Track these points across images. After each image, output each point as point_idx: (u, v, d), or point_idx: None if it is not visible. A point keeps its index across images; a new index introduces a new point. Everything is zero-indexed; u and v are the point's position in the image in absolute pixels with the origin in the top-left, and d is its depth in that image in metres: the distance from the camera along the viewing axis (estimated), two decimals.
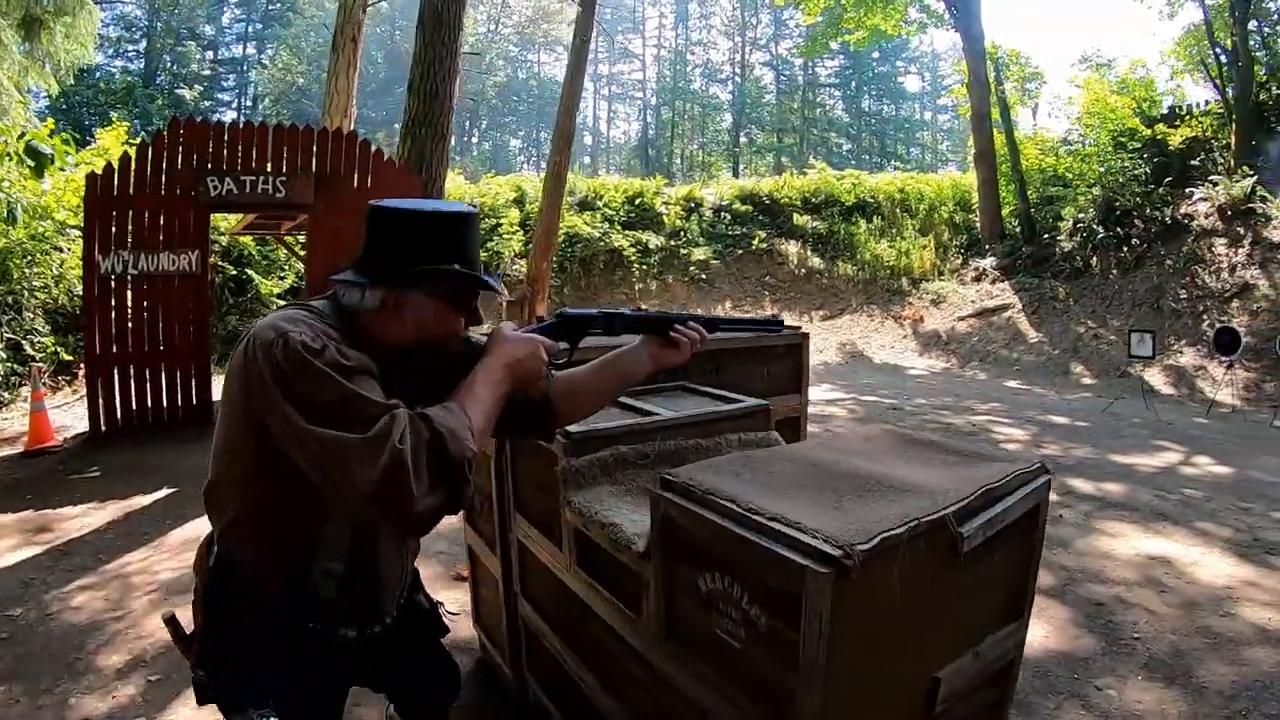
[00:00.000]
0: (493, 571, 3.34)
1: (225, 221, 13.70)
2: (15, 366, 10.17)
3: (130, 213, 8.42)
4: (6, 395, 9.89)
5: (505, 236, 16.90)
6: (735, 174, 36.12)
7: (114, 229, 8.35)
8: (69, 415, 9.54)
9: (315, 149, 9.17)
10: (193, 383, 8.98)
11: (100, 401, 8.46)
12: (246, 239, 14.73)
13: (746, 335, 3.78)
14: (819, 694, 1.49)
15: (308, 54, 42.97)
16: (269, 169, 8.93)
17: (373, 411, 1.53)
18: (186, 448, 7.99)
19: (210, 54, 45.66)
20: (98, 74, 37.86)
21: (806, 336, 4.47)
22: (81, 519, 6.06)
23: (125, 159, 8.54)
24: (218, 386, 9.06)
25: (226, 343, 12.33)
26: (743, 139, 49.00)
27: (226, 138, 8.85)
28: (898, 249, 19.78)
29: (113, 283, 8.40)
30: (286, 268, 15.32)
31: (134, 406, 8.62)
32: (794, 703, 1.52)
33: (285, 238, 13.34)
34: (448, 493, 1.56)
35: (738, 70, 52.21)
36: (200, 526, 5.27)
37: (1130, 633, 4.22)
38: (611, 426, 2.58)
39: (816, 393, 10.98)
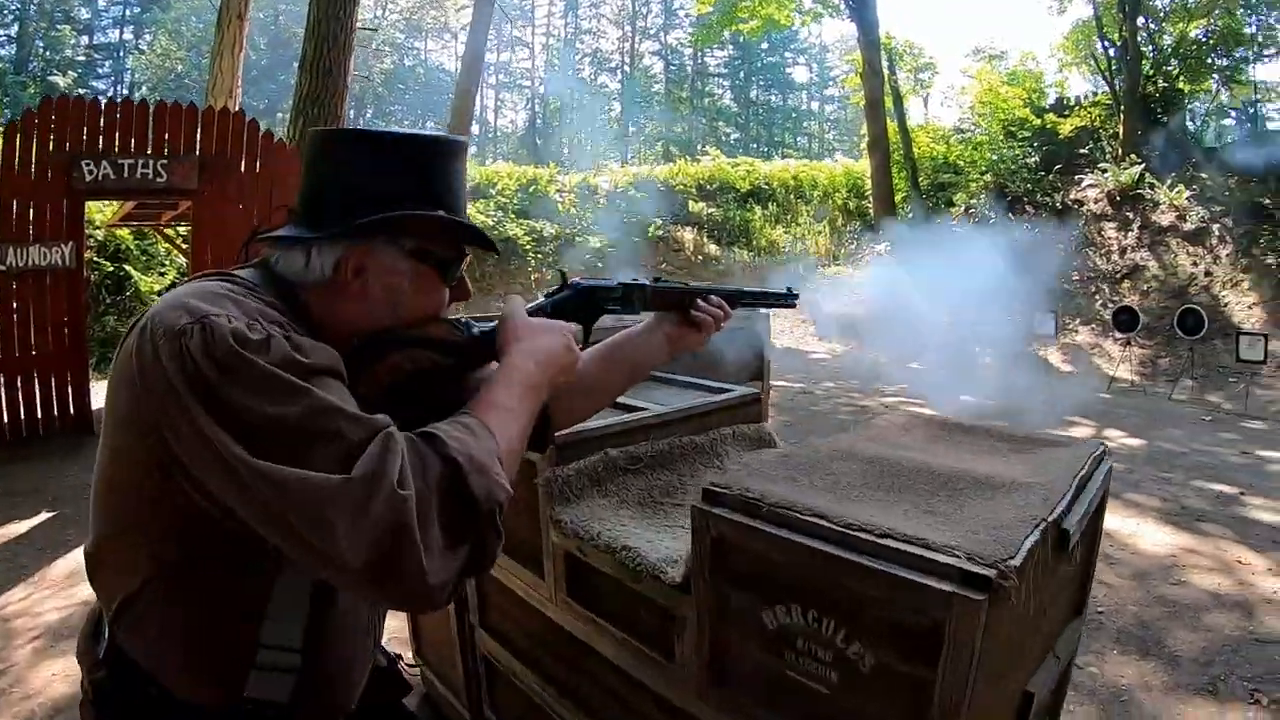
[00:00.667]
0: None
1: (101, 214, 12.59)
2: None
3: None
4: None
5: None
6: (624, 163, 35.87)
7: None
8: None
9: (200, 130, 8.30)
10: (69, 391, 8.01)
11: None
12: (124, 232, 13.43)
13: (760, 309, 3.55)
14: None
15: (188, 39, 40.60)
16: (149, 151, 8.01)
17: (354, 435, 1.01)
18: (64, 464, 7.07)
19: (86, 39, 42.66)
20: None
21: (768, 316, 4.24)
22: None
23: None
24: (97, 396, 8.33)
25: (105, 345, 11.10)
26: (631, 128, 48.92)
27: (103, 118, 7.90)
28: (793, 234, 19.99)
29: None
30: (167, 263, 14.06)
31: (3, 419, 7.70)
32: None
33: (166, 229, 12.11)
34: (472, 553, 1.06)
35: (627, 59, 52.08)
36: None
37: (1094, 607, 4.19)
38: (598, 426, 2.14)
39: None
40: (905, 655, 1.22)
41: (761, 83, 53.35)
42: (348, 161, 1.26)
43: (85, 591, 3.70)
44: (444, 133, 1.36)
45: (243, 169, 8.47)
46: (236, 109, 8.79)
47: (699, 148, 36.22)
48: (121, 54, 43.91)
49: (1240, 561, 4.91)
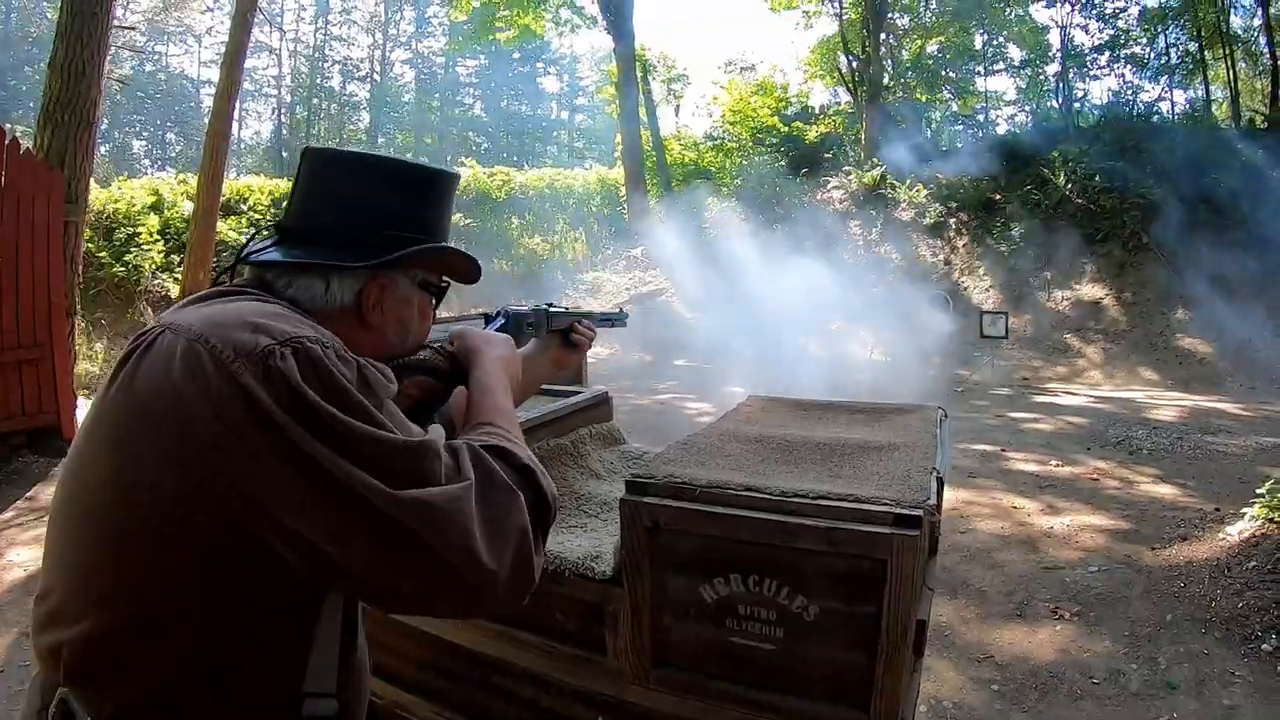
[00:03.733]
0: None
1: None
2: None
3: None
4: None
5: (144, 248, 14.73)
6: None
7: None
8: None
9: None
10: None
11: None
12: None
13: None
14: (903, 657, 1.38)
15: None
16: None
17: (445, 454, 1.00)
18: None
19: None
20: None
21: None
22: None
23: None
24: None
25: None
26: (380, 138, 47.83)
27: None
28: (551, 243, 20.19)
29: None
30: None
31: None
32: (871, 679, 1.39)
33: None
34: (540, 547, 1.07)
35: (378, 68, 50.90)
36: None
37: None
38: None
39: None
40: (849, 598, 1.38)
41: (512, 93, 53.44)
42: (365, 185, 1.24)
43: None
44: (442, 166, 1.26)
45: None
46: None
47: (449, 158, 35.97)
48: None
49: (1014, 507, 5.67)
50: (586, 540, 1.84)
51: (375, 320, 1.22)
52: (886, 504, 1.35)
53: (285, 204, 1.32)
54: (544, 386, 2.91)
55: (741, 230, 17.81)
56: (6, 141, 7.28)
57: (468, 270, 1.40)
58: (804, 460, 1.69)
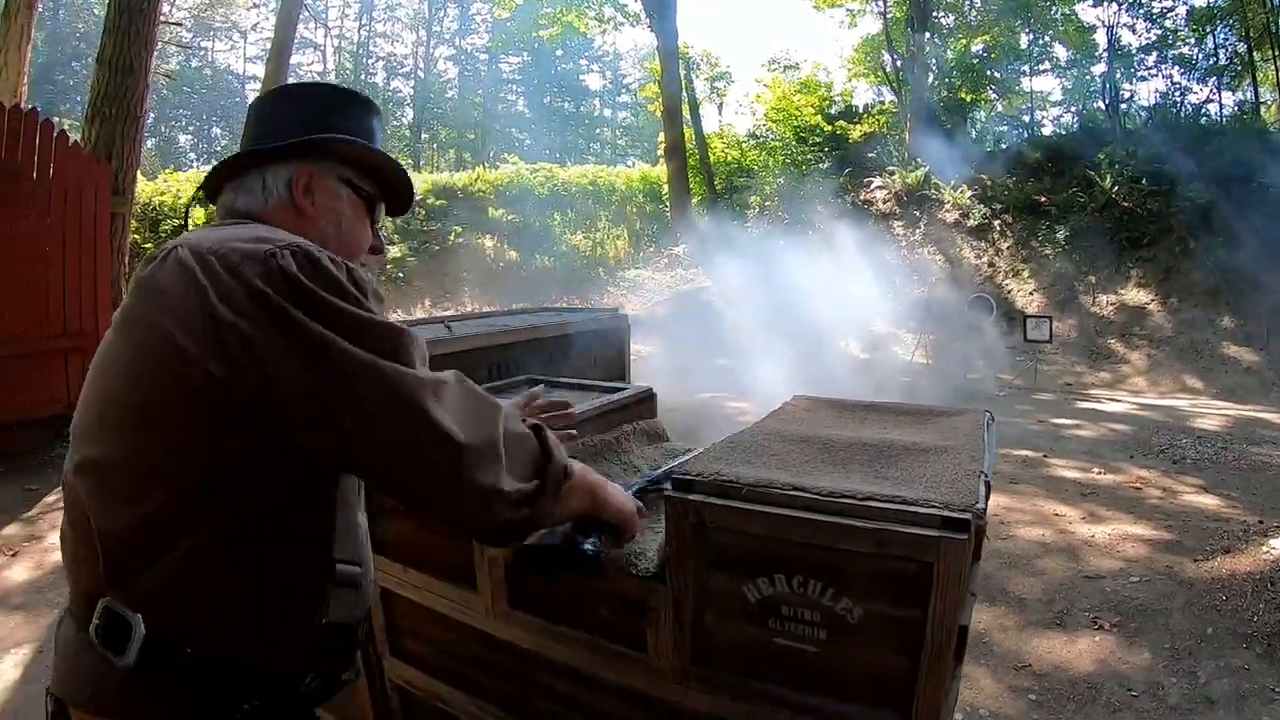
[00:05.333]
0: None
1: None
2: None
3: None
4: None
5: None
6: (417, 169, 35.23)
7: None
8: None
9: None
10: None
11: None
12: None
13: (580, 330, 3.66)
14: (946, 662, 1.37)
15: None
16: None
17: (440, 377, 1.18)
18: None
19: None
20: None
21: (626, 318, 4.36)
22: None
23: None
24: None
25: None
26: (425, 134, 48.02)
27: None
28: (593, 239, 20.16)
29: None
30: None
31: None
32: (913, 683, 1.38)
33: None
34: (538, 496, 1.25)
35: (421, 65, 51.15)
36: None
37: None
38: None
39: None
40: (894, 601, 1.37)
41: (555, 89, 53.47)
42: (292, 99, 1.48)
43: None
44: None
45: (35, 175, 7.32)
46: (29, 108, 7.68)
47: (491, 154, 36.07)
48: None
49: (1056, 514, 5.61)
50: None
51: (308, 209, 1.38)
52: (934, 507, 1.34)
53: None
54: (588, 382, 2.94)
55: (784, 230, 17.75)
56: (55, 135, 7.44)
57: (396, 181, 1.54)
58: (850, 461, 1.68)
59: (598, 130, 55.60)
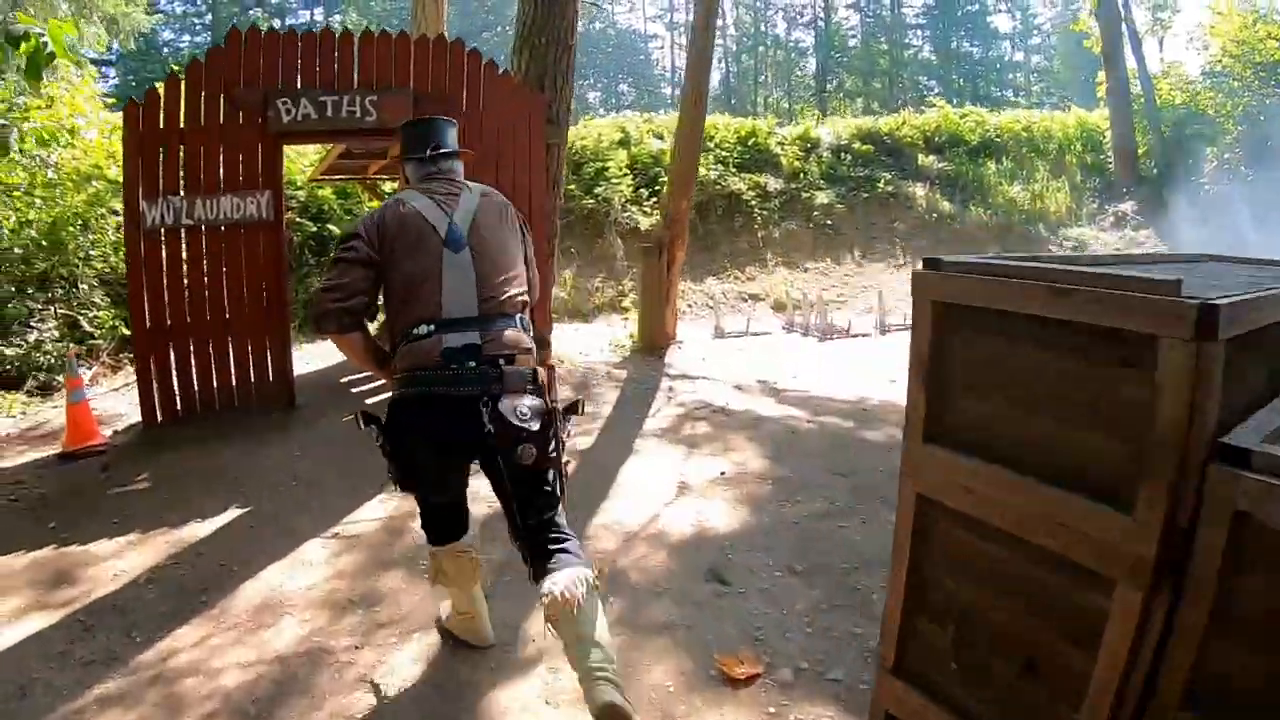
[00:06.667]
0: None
1: (302, 173, 12.55)
2: (71, 345, 8.70)
3: (182, 148, 6.62)
4: (60, 379, 8.13)
5: (613, 181, 15.68)
6: (824, 117, 35.04)
7: (162, 170, 6.57)
8: (128, 401, 7.55)
9: (413, 61, 7.29)
10: (268, 361, 7.12)
11: (155, 387, 6.72)
12: (326, 191, 12.84)
13: None
14: None
15: (376, 12, 41.63)
16: (355, 84, 7.09)
17: None
18: (260, 448, 6.18)
19: (278, 21, 43.84)
20: (164, 50, 37.73)
21: None
22: (115, 562, 4.28)
23: (173, 81, 6.70)
24: (301, 361, 8.48)
25: (308, 308, 10.32)
26: (830, 83, 47.66)
27: (301, 49, 6.96)
28: (1031, 192, 18.49)
29: (162, 237, 6.61)
30: None
31: (195, 391, 6.86)
32: None
33: (372, 183, 11.72)
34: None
35: (821, 13, 50.76)
36: (279, 578, 4.14)
37: None
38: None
39: None
40: None
41: (962, 33, 51.14)
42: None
43: (279, 641, 3.47)
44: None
45: (464, 105, 7.36)
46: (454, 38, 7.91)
47: (899, 103, 34.97)
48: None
49: None
50: None
51: None
52: None
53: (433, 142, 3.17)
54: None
55: (1247, 183, 15.78)
56: (483, 64, 7.51)
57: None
58: None
59: (1009, 76, 52.47)
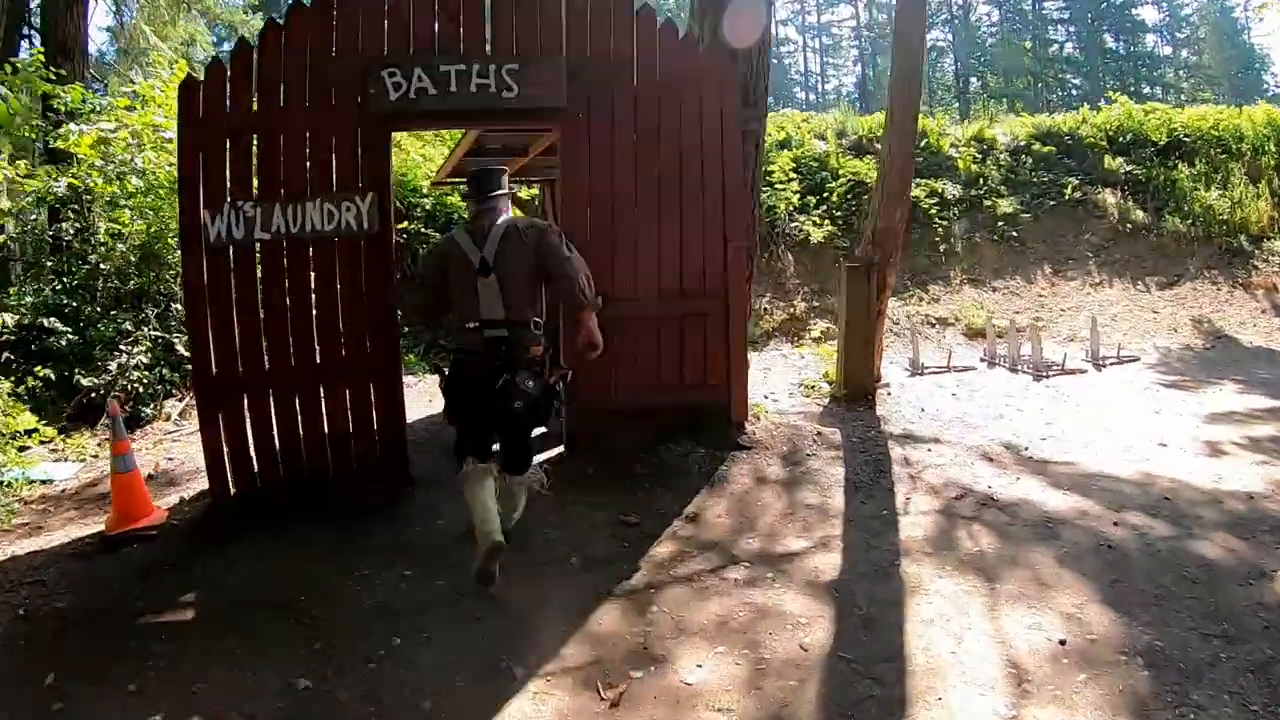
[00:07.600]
0: None
1: (421, 166, 10.82)
2: (164, 372, 7.78)
3: (254, 138, 5.18)
4: (149, 411, 7.40)
5: (778, 186, 14.01)
6: (965, 119, 32.82)
7: (229, 168, 5.12)
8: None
9: (566, 20, 5.62)
10: (373, 416, 5.41)
11: (224, 450, 5.16)
12: (456, 198, 10.37)
13: None
14: None
15: None
16: (488, 51, 5.49)
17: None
18: (358, 556, 4.55)
19: None
20: None
21: None
22: None
23: (242, 53, 5.21)
24: (423, 399, 7.54)
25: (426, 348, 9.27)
26: (973, 82, 45.45)
27: (414, 5, 5.39)
28: (1229, 199, 15.76)
29: (231, 257, 5.11)
30: None
31: (276, 458, 5.26)
32: None
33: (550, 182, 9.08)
34: None
35: (958, 12, 48.39)
36: None
37: None
38: None
39: (1230, 393, 8.80)
40: None
41: (1105, 27, 48.00)
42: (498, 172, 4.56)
43: None
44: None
45: (635, 77, 5.81)
46: None
47: (1046, 101, 32.61)
48: None
49: None
50: None
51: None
52: None
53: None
54: None
55: None
56: (659, 25, 5.86)
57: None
58: None
59: (1158, 71, 49.09)
